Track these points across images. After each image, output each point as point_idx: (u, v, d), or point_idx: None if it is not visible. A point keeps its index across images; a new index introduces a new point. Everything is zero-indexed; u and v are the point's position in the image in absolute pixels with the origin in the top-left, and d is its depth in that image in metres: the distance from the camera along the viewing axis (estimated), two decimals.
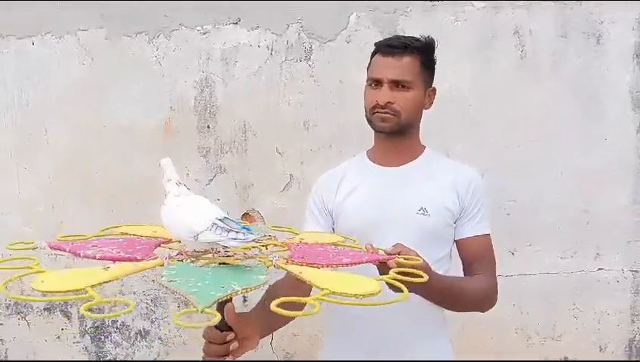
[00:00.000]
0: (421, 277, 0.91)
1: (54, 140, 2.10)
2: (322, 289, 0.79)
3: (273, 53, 2.06)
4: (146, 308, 2.14)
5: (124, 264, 0.87)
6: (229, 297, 0.78)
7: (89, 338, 2.16)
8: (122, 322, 2.12)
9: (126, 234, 1.11)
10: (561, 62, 2.01)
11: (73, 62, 2.07)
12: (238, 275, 0.85)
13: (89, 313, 0.69)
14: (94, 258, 0.91)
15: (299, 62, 2.05)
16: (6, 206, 2.11)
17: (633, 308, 2.10)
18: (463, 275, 1.38)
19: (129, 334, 2.15)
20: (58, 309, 2.15)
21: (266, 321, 1.13)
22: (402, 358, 1.31)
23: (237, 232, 0.85)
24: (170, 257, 0.90)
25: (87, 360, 2.17)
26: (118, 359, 2.16)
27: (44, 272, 0.80)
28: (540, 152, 2.04)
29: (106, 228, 1.13)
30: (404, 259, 1.02)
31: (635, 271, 2.08)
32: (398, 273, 0.92)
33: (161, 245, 1.03)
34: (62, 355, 2.16)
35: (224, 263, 0.90)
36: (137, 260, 0.89)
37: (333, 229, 1.41)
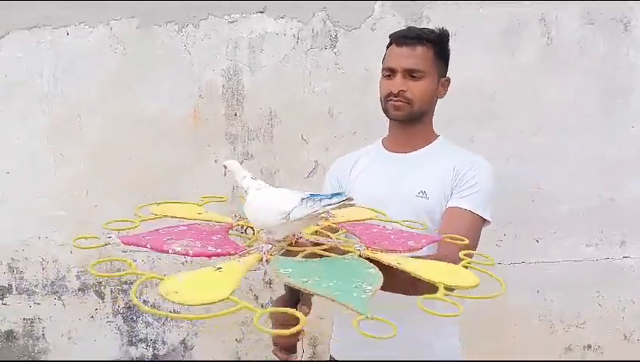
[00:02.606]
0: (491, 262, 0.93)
1: (88, 127, 2.16)
2: (437, 283, 0.76)
3: (299, 41, 2.09)
4: None
5: (230, 264, 0.81)
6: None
7: (121, 318, 2.24)
8: (153, 303, 2.17)
9: (166, 216, 1.07)
10: (588, 49, 1.99)
11: (106, 52, 2.13)
12: (352, 270, 0.84)
13: (262, 327, 0.64)
14: (187, 254, 0.85)
15: (324, 50, 2.08)
16: (42, 190, 2.19)
17: None
18: None
19: None
20: (92, 289, 2.23)
21: None
22: (412, 342, 1.33)
23: (329, 198, 0.85)
24: (267, 251, 0.88)
25: (98, 360, 2.26)
26: (149, 338, 2.24)
27: (162, 279, 0.72)
28: (565, 140, 2.03)
29: (141, 207, 1.10)
30: (450, 238, 1.13)
31: None
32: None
33: (229, 231, 1.02)
34: (95, 334, 2.24)
35: (309, 257, 0.91)
36: (231, 254, 0.87)
37: None
